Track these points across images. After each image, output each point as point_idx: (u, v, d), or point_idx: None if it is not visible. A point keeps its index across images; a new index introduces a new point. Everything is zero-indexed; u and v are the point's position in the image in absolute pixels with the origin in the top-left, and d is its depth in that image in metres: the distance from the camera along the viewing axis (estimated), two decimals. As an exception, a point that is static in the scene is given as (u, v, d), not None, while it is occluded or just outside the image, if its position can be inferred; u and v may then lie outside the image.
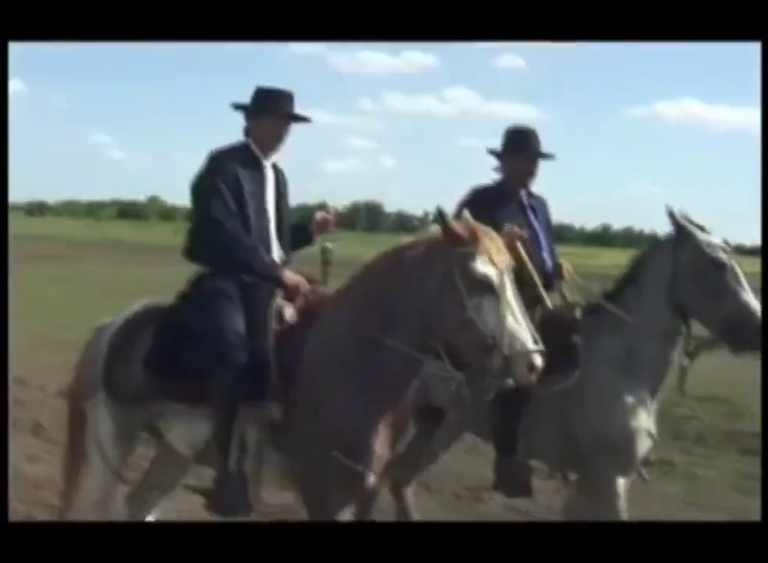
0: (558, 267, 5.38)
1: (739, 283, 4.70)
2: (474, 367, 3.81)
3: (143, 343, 4.43)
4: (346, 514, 4.11)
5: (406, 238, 4.14)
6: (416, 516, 5.59)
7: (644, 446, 4.87)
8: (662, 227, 5.05)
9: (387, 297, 3.96)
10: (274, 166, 4.66)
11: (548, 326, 4.92)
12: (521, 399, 4.74)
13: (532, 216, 5.37)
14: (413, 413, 4.19)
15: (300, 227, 4.77)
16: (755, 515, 4.87)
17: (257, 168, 4.55)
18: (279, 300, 4.31)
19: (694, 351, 4.86)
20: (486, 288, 3.76)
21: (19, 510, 5.75)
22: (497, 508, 6.57)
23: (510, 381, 3.77)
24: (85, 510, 4.72)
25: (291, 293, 4.37)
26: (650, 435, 4.90)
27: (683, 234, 4.82)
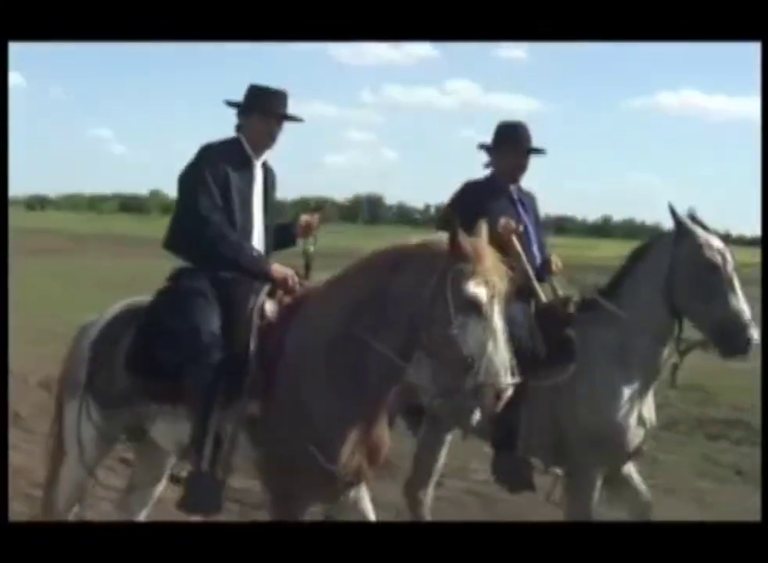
0: (547, 261, 5.36)
1: (732, 287, 4.66)
2: (448, 384, 3.77)
3: (124, 345, 4.41)
4: (306, 514, 4.13)
5: (407, 236, 4.11)
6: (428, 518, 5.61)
7: (632, 443, 4.86)
8: (664, 219, 5.05)
9: (380, 297, 3.93)
10: (264, 165, 4.64)
11: (543, 319, 4.96)
12: (518, 394, 4.76)
13: (522, 211, 5.36)
14: (400, 413, 4.19)
15: (284, 229, 4.76)
16: (713, 497, 4.98)
17: (246, 165, 4.54)
18: (262, 297, 4.29)
19: (685, 350, 4.85)
20: (474, 309, 3.72)
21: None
22: (458, 492, 6.77)
23: (475, 415, 3.77)
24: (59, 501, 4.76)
25: (280, 286, 4.35)
26: (644, 425, 4.89)
27: (683, 232, 4.80)
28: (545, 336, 4.91)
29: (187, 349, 4.13)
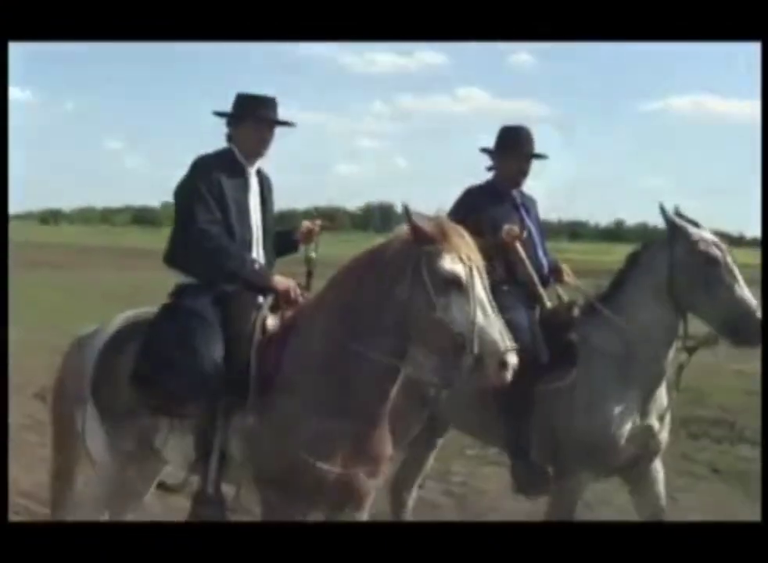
0: (557, 269, 5.36)
1: (734, 277, 4.68)
2: (448, 369, 3.74)
3: (128, 358, 4.37)
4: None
5: (378, 240, 4.09)
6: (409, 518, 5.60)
7: (626, 450, 4.83)
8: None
9: (360, 303, 3.91)
10: (259, 172, 4.63)
11: (546, 324, 4.96)
12: (526, 400, 4.75)
13: (525, 215, 5.35)
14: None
15: (285, 235, 4.74)
16: (685, 495, 4.96)
17: (240, 174, 4.52)
18: (264, 311, 4.27)
19: (692, 347, 4.84)
20: (455, 286, 3.69)
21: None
22: (435, 493, 6.82)
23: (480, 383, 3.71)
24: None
25: (282, 297, 4.34)
26: (650, 430, 4.88)
27: (676, 231, 4.80)
28: (548, 341, 4.91)
29: (188, 371, 4.10)
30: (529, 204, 5.45)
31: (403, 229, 3.88)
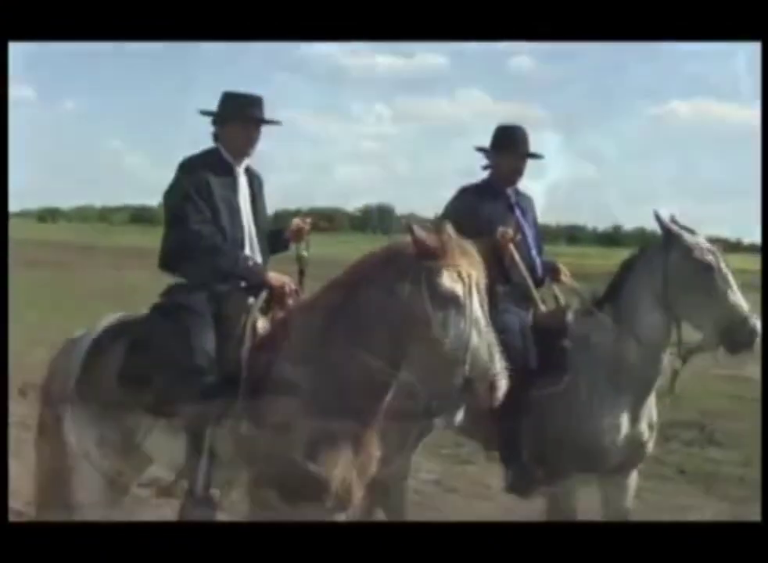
0: (554, 269, 5.36)
1: (728, 284, 4.69)
2: (438, 384, 3.76)
3: (115, 359, 4.37)
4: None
5: (376, 241, 4.09)
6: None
7: (617, 454, 4.85)
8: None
9: (357, 310, 3.91)
10: (248, 170, 4.62)
11: (539, 328, 4.95)
12: (518, 403, 4.74)
13: (520, 215, 5.34)
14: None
15: (276, 233, 4.72)
16: (651, 495, 4.97)
17: (228, 173, 4.51)
18: (254, 313, 4.27)
19: (686, 354, 4.84)
20: (452, 303, 3.69)
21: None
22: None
23: (459, 413, 3.72)
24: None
25: (277, 294, 4.34)
26: (639, 436, 4.90)
27: (671, 238, 4.81)
28: (541, 346, 4.91)
29: (179, 369, 4.11)
30: (524, 203, 5.44)
31: (403, 240, 3.87)
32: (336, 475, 3.95)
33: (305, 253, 4.66)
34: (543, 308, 5.12)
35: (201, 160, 4.49)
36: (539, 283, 5.23)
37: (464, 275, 3.73)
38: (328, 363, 3.95)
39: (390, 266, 3.87)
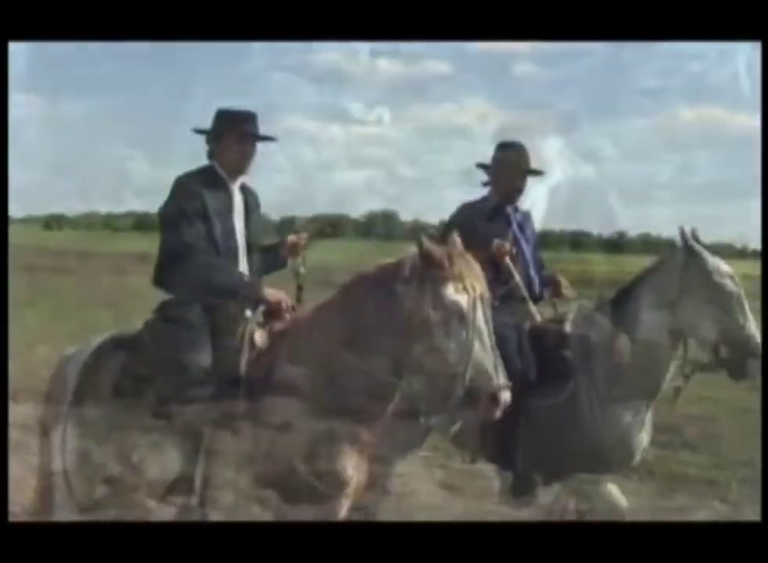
0: (554, 282, 5.32)
1: (744, 314, 4.66)
2: (439, 397, 3.74)
3: (110, 374, 4.37)
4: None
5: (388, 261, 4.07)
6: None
7: (616, 466, 4.87)
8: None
9: (363, 318, 3.91)
10: (243, 187, 4.60)
11: (537, 340, 4.93)
12: (515, 413, 4.72)
13: (518, 232, 5.30)
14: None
15: (271, 252, 4.69)
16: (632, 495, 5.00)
17: (223, 190, 4.49)
18: (251, 325, 4.26)
19: (689, 372, 4.83)
20: (456, 315, 3.70)
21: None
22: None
23: (456, 425, 3.71)
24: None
25: (274, 309, 4.33)
26: (634, 447, 4.90)
27: (692, 257, 4.77)
28: (539, 357, 4.89)
29: (175, 383, 4.11)
30: (523, 220, 5.39)
31: (410, 252, 3.88)
32: (336, 475, 3.95)
33: (302, 270, 4.63)
34: (539, 319, 5.09)
35: (195, 178, 4.47)
36: (536, 299, 5.20)
37: (468, 287, 3.74)
38: (330, 371, 3.94)
39: (396, 278, 3.86)
